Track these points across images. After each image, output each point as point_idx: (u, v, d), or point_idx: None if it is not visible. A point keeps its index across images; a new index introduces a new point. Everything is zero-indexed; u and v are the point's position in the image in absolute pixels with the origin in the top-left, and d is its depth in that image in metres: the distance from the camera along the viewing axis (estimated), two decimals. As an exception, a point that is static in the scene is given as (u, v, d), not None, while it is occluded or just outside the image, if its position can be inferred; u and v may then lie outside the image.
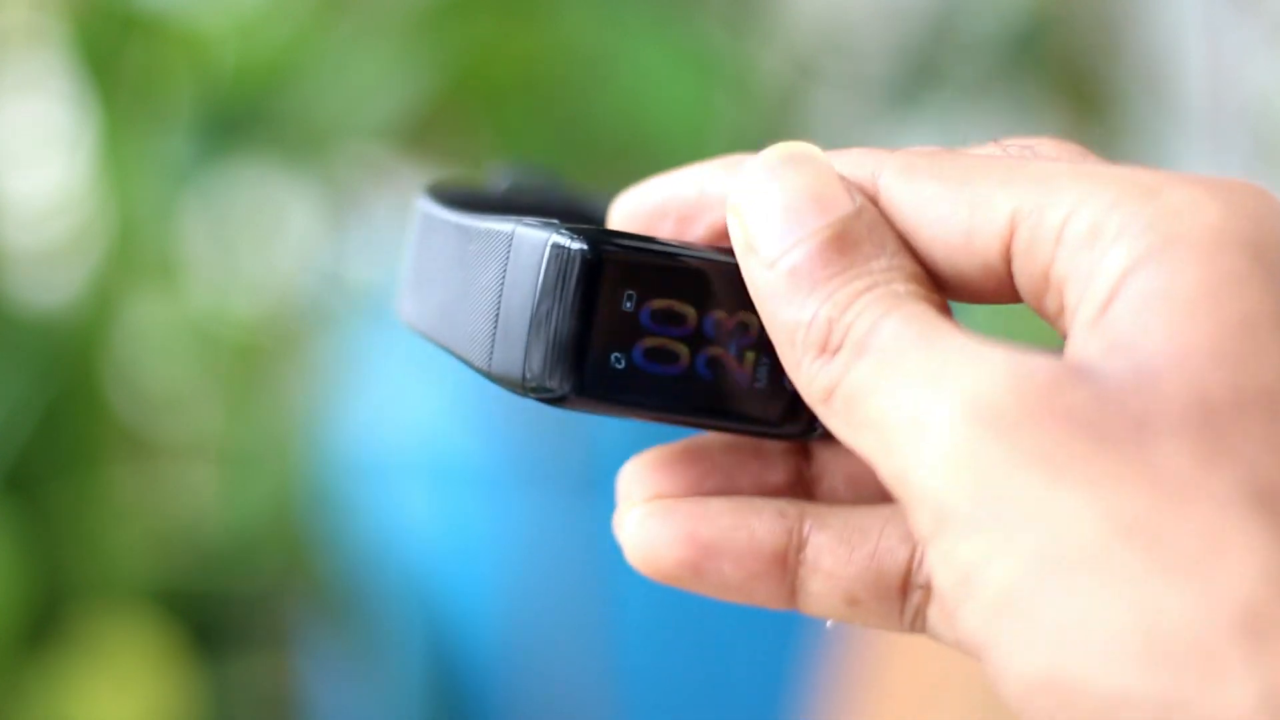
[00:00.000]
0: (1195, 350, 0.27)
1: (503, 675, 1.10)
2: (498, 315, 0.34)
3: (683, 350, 0.34)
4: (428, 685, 1.11)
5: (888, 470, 0.29)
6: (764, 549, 0.34)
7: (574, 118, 1.15)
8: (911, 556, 0.34)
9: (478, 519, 1.11)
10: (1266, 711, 0.25)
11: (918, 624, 0.34)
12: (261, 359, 1.23)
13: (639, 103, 1.13)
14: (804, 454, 0.36)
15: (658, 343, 0.34)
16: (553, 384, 0.33)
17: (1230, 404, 0.27)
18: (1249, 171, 1.13)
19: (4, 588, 1.05)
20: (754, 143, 0.36)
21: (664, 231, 0.36)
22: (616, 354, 0.33)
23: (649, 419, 0.34)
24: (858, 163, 0.33)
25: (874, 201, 0.32)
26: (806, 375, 0.31)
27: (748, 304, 0.33)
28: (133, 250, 1.14)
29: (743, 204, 0.32)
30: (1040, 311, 0.31)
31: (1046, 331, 0.31)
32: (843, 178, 0.32)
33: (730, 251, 0.33)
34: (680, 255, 0.34)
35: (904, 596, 0.34)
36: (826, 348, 0.31)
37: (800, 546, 0.34)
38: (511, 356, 0.34)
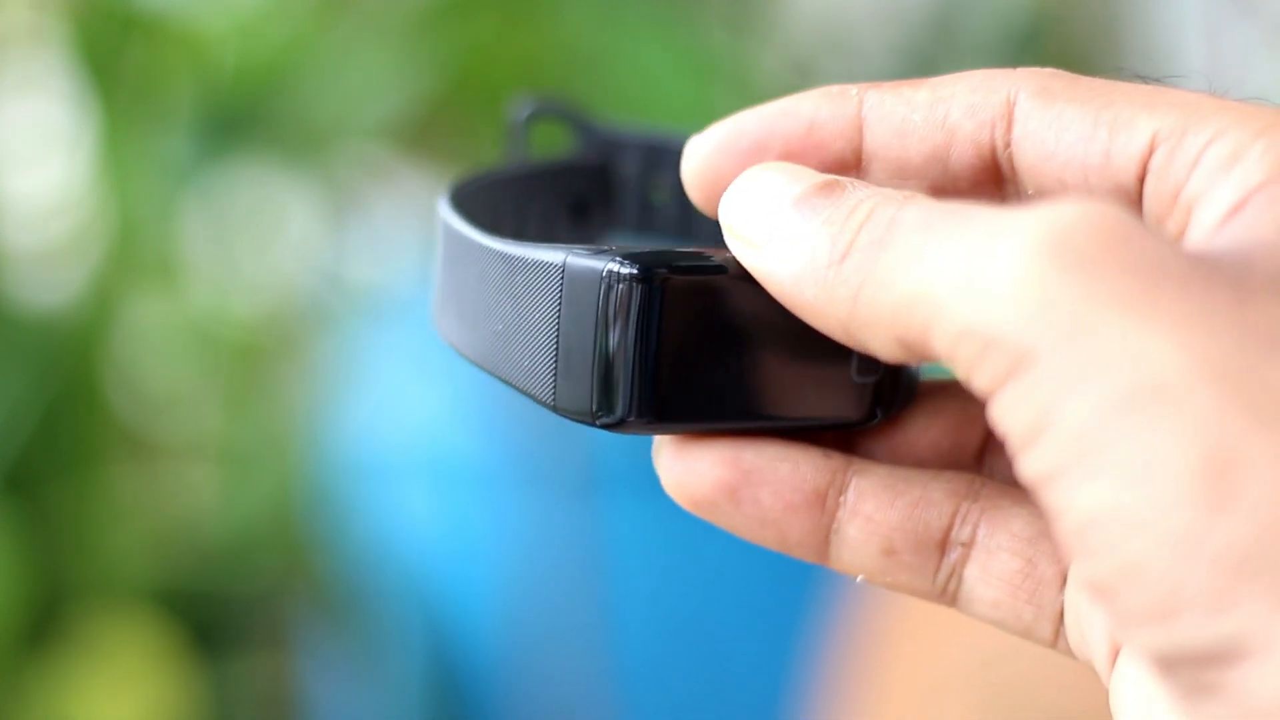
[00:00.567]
0: None
1: (503, 675, 1.10)
2: (557, 349, 0.33)
3: (746, 361, 0.33)
4: (428, 685, 1.11)
5: (948, 329, 0.28)
6: (805, 482, 0.33)
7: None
8: (955, 512, 0.33)
9: (478, 519, 1.11)
10: None
11: (951, 585, 0.33)
12: (261, 359, 1.23)
13: (639, 103, 1.13)
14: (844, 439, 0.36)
15: (722, 357, 0.33)
16: (626, 415, 0.33)
17: None
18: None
19: (4, 588, 1.05)
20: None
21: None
22: (683, 375, 0.33)
23: (719, 431, 0.34)
24: (986, 86, 0.32)
25: (1007, 126, 0.31)
26: (828, 287, 0.30)
27: None
28: (133, 250, 1.14)
29: (729, 215, 0.32)
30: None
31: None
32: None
33: None
34: (735, 268, 0.33)
35: (942, 553, 0.33)
36: (843, 255, 0.30)
37: (842, 489, 0.33)
38: (578, 392, 0.33)
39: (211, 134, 1.12)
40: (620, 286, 0.32)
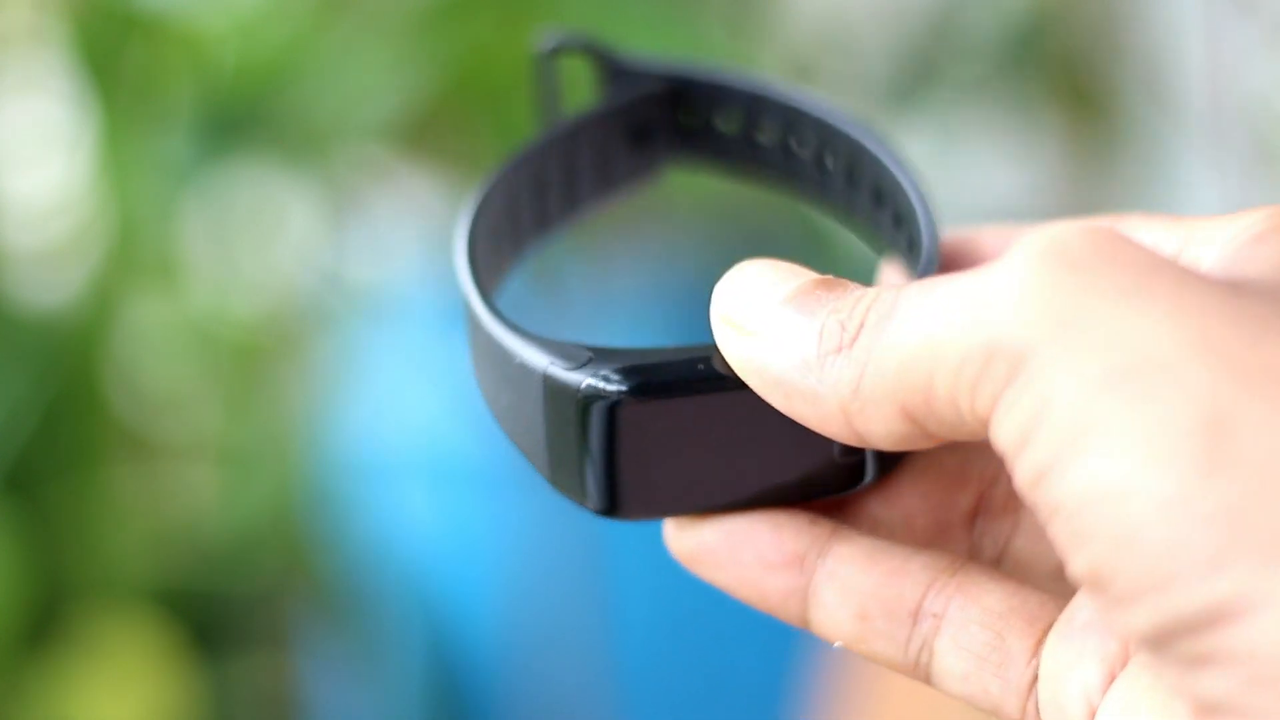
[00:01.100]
0: None
1: (503, 675, 1.10)
2: (549, 442, 0.34)
3: (731, 459, 0.33)
4: (428, 685, 1.11)
5: (951, 362, 0.28)
6: (786, 544, 0.34)
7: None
8: (931, 583, 0.34)
9: (478, 519, 1.11)
10: None
11: (923, 657, 0.34)
12: (261, 359, 1.23)
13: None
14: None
15: (706, 459, 0.33)
16: (613, 510, 0.33)
17: None
18: (1248, 172, 1.13)
19: (4, 588, 1.05)
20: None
21: None
22: (668, 474, 0.33)
23: (713, 513, 0.34)
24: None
25: None
26: (833, 370, 0.30)
27: None
28: (133, 250, 1.14)
29: (723, 307, 0.32)
30: None
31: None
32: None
33: None
34: (722, 378, 0.33)
35: (914, 621, 0.34)
36: (843, 341, 0.30)
37: (822, 553, 0.34)
38: (570, 483, 0.34)
39: (211, 134, 1.12)
40: (598, 404, 0.32)
